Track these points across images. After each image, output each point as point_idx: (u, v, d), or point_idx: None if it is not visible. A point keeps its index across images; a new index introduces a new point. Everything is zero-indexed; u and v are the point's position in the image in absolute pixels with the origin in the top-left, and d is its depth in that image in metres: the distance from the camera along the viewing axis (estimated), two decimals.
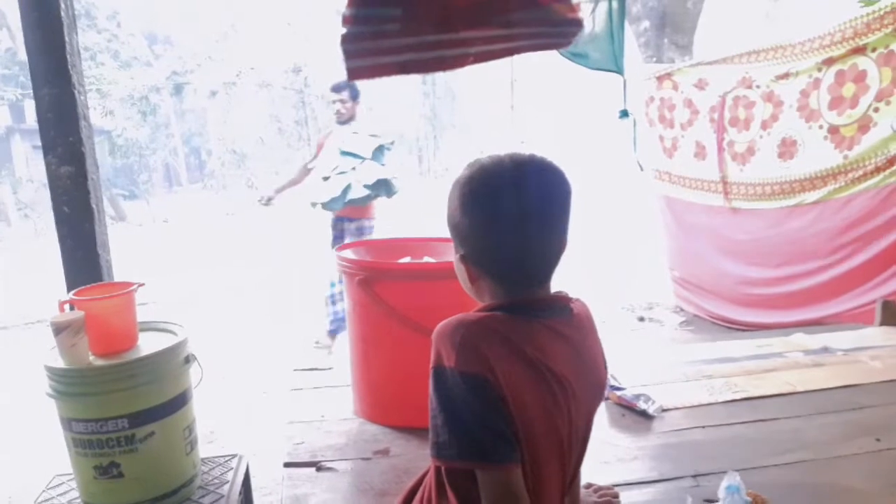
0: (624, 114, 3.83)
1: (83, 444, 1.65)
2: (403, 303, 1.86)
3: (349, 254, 2.06)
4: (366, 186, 4.05)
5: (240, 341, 4.71)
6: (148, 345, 1.76)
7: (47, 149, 1.98)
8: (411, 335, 1.80)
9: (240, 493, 1.82)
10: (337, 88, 4.37)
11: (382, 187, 4.13)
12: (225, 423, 2.50)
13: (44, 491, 1.85)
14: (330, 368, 2.27)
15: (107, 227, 2.11)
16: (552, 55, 2.76)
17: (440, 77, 20.32)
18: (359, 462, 1.65)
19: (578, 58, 2.99)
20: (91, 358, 1.68)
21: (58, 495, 1.82)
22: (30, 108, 20.53)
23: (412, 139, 21.82)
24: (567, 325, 1.10)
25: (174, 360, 1.73)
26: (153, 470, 1.69)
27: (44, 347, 1.72)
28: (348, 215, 4.24)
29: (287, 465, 1.64)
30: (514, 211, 1.02)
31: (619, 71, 3.21)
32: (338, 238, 4.32)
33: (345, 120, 4.38)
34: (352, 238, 4.22)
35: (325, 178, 4.16)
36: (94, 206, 2.02)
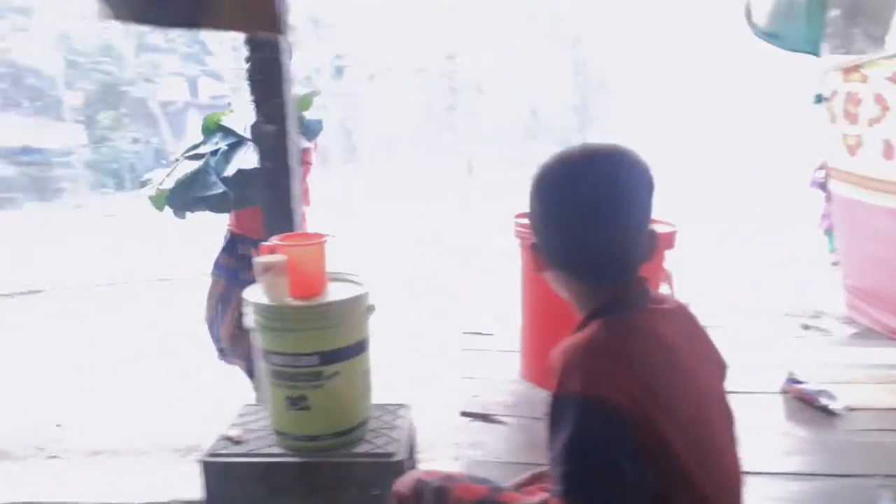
0: (819, 98, 3.52)
1: (279, 376, 1.82)
2: None
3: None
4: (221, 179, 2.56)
5: (415, 301, 4.88)
6: (335, 292, 1.91)
7: (256, 108, 2.18)
8: None
9: (408, 439, 1.92)
10: None
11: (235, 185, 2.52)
12: (392, 374, 2.66)
13: (237, 417, 2.05)
14: (491, 334, 2.33)
15: (300, 183, 2.29)
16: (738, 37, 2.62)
17: (592, 66, 19.94)
18: (528, 420, 1.69)
19: (772, 38, 2.83)
20: (288, 299, 1.84)
21: (250, 422, 2.02)
22: (203, 85, 22.46)
23: (557, 129, 21.59)
24: (664, 309, 1.05)
25: (358, 308, 1.86)
26: (335, 406, 1.83)
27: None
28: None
29: (464, 413, 1.72)
30: (583, 198, 1.00)
31: (816, 53, 2.98)
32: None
33: None
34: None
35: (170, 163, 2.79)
36: (291, 163, 2.19)
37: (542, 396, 1.90)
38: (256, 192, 2.36)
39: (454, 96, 18.79)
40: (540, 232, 1.07)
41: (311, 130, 2.66)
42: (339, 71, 19.03)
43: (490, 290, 4.69)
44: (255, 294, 1.85)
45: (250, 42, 2.16)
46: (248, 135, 2.51)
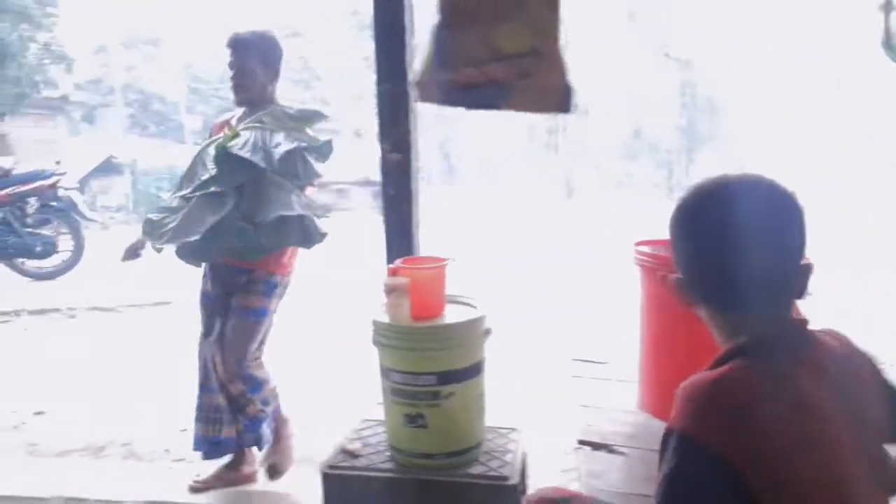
0: None
1: (398, 393, 1.88)
2: None
3: (648, 248, 2.08)
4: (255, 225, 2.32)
5: (524, 325, 4.87)
6: (453, 314, 1.96)
7: (382, 137, 2.28)
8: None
9: (521, 463, 1.94)
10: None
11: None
12: (503, 398, 2.69)
13: (354, 431, 2.14)
14: (604, 363, 2.32)
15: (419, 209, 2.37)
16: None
17: (701, 87, 19.40)
18: (647, 452, 1.67)
19: None
20: (409, 319, 1.92)
21: (368, 436, 2.10)
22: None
23: (662, 151, 21.09)
24: (821, 362, 0.97)
25: (476, 331, 1.90)
26: (451, 426, 1.88)
27: None
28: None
29: (582, 442, 1.72)
30: (720, 227, 0.97)
31: None
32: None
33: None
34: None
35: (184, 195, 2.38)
36: (413, 189, 2.28)
37: (662, 428, 1.88)
38: (294, 234, 2.31)
39: (557, 118, 18.75)
40: (681, 264, 1.05)
41: (322, 153, 2.44)
42: None
43: (601, 317, 4.64)
44: (378, 313, 1.93)
45: (378, 73, 2.27)
46: (265, 163, 2.27)
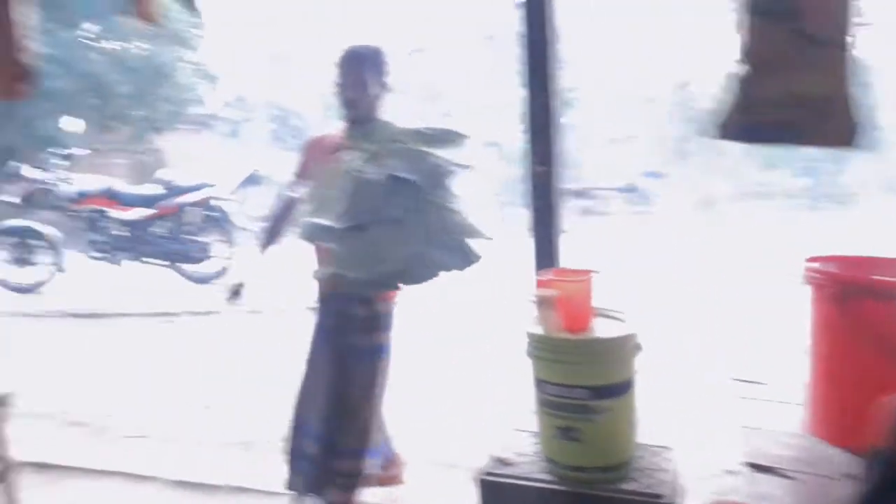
0: None
1: (550, 405, 1.90)
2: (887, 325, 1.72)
3: (821, 265, 1.98)
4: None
5: (677, 342, 4.70)
6: (603, 328, 1.96)
7: (529, 151, 2.33)
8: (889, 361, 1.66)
9: (675, 482, 1.90)
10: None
11: None
12: (655, 415, 2.62)
13: (507, 441, 2.17)
14: (764, 383, 2.23)
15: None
16: None
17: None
18: (818, 477, 1.59)
19: None
20: (560, 331, 1.93)
21: (520, 446, 2.12)
22: (436, 124, 23.96)
23: (803, 159, 19.69)
24: None
25: (627, 347, 1.89)
26: (604, 442, 1.87)
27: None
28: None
29: (750, 465, 1.67)
30: None
31: None
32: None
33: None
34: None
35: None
36: (557, 201, 2.31)
37: (835, 454, 1.78)
38: (458, 257, 2.13)
39: (688, 126, 18.06)
40: None
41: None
42: (567, 104, 19.27)
43: (758, 336, 4.41)
44: (531, 325, 1.96)
45: (526, 88, 2.32)
46: (429, 183, 2.13)
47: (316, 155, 2.44)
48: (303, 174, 2.46)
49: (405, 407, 2.66)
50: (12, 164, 7.47)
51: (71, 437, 3.48)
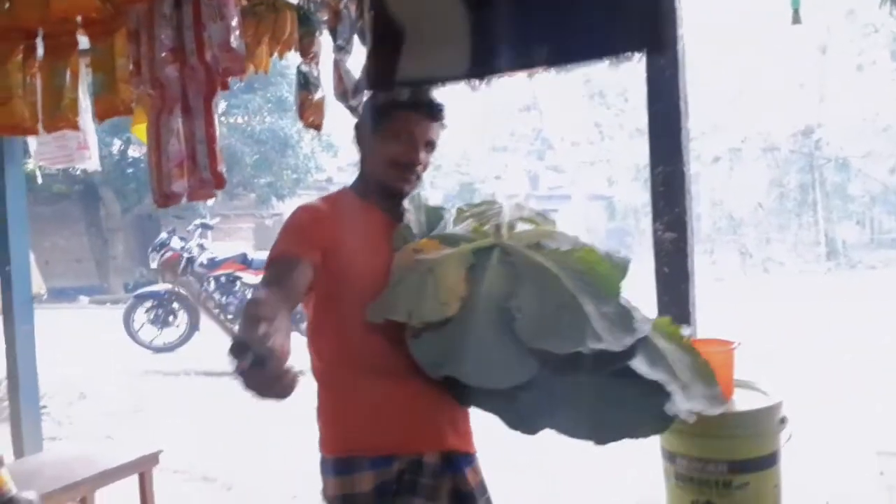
0: None
1: (684, 479, 1.83)
2: None
3: None
4: None
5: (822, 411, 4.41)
6: (745, 400, 1.89)
7: (655, 217, 2.31)
8: None
9: None
10: None
11: None
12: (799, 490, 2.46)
13: None
14: None
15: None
16: None
17: None
18: None
19: None
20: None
21: None
22: (544, 178, 24.04)
23: None
24: None
25: (771, 419, 1.81)
26: None
27: None
28: None
29: None
30: None
31: None
32: None
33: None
34: None
35: None
36: (689, 269, 2.27)
37: None
38: None
39: (812, 173, 17.18)
40: None
41: None
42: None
43: None
44: None
45: (652, 154, 2.33)
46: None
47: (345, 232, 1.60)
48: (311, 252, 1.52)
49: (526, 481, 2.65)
50: (163, 234, 8.19)
51: (200, 492, 3.68)
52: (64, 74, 2.36)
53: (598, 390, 1.40)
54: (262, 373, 1.05)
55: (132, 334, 7.76)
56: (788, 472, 1.84)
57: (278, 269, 1.47)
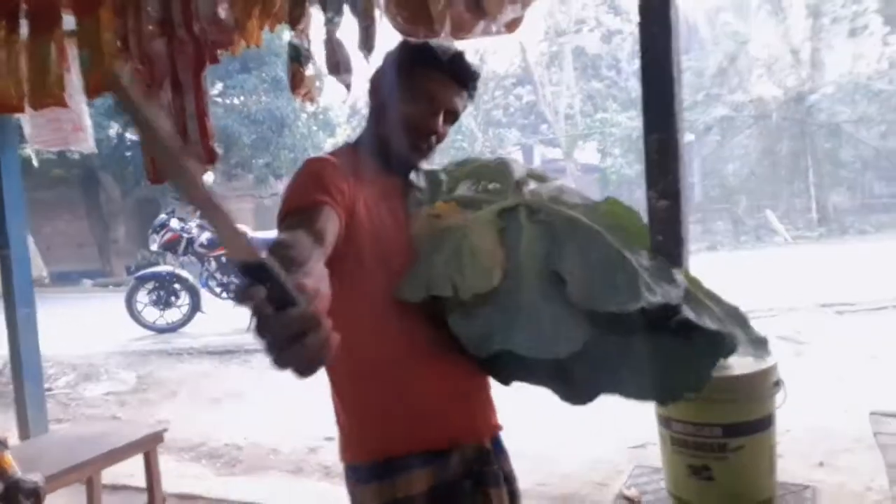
0: None
1: (679, 443, 1.88)
2: None
3: None
4: None
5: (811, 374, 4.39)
6: (737, 364, 1.92)
7: (650, 185, 2.32)
8: None
9: None
10: None
11: None
12: (794, 453, 2.49)
13: (631, 478, 2.16)
14: None
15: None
16: None
17: None
18: None
19: None
20: None
21: (644, 483, 2.11)
22: (538, 152, 23.92)
23: None
24: None
25: (766, 383, 1.84)
26: (740, 481, 1.83)
27: None
28: None
29: None
30: None
31: None
32: None
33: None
34: None
35: None
36: (683, 235, 2.29)
37: None
38: None
39: (803, 140, 17.14)
40: None
41: None
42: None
43: None
44: None
45: (646, 121, 2.34)
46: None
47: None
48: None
49: (526, 438, 2.69)
50: (161, 216, 8.18)
51: (205, 469, 3.74)
52: (49, 50, 2.33)
53: (656, 346, 1.30)
54: (290, 319, 0.73)
55: (135, 316, 7.78)
56: (783, 434, 1.89)
57: (300, 217, 1.19)
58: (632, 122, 17.67)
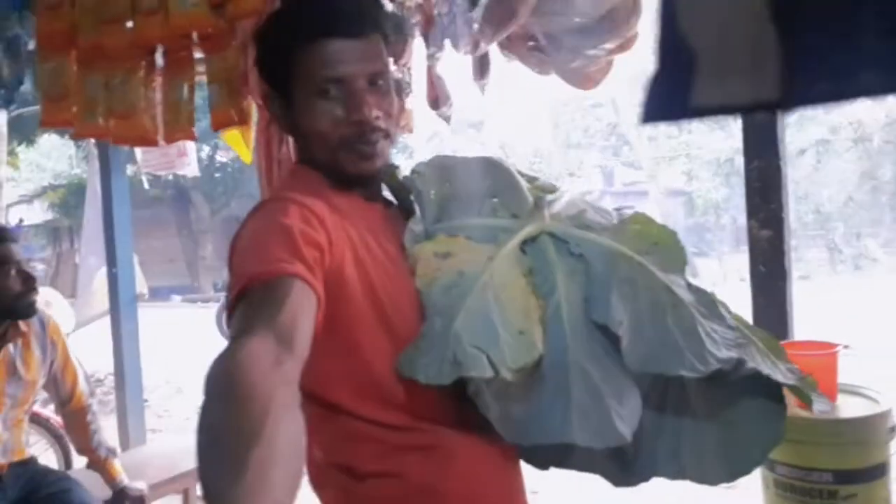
0: None
1: (785, 488, 1.78)
2: None
3: None
4: None
5: None
6: (849, 406, 1.81)
7: (750, 214, 2.25)
8: None
9: None
10: None
11: None
12: None
13: None
14: None
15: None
16: None
17: None
18: None
19: None
20: (797, 408, 1.81)
21: None
22: (619, 174, 23.56)
23: None
24: None
25: (881, 427, 1.73)
26: None
27: None
28: None
29: None
30: None
31: None
32: None
33: None
34: None
35: None
36: (787, 267, 2.19)
37: None
38: None
39: None
40: None
41: None
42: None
43: None
44: None
45: (746, 149, 2.27)
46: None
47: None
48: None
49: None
50: None
51: None
52: (183, 88, 2.45)
53: (712, 410, 1.06)
54: None
55: (223, 332, 8.08)
56: None
57: (259, 304, 0.84)
58: (719, 144, 17.14)
